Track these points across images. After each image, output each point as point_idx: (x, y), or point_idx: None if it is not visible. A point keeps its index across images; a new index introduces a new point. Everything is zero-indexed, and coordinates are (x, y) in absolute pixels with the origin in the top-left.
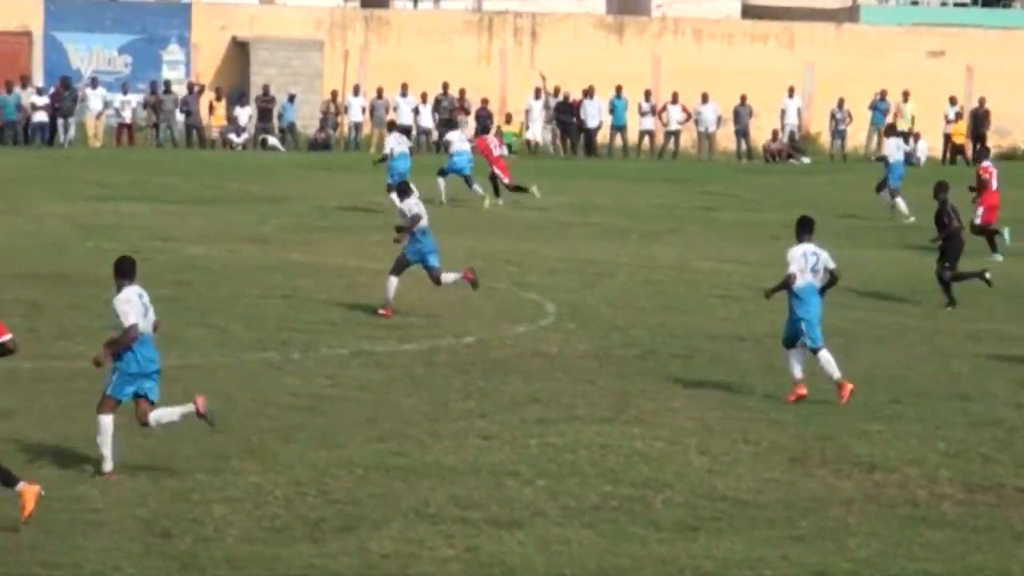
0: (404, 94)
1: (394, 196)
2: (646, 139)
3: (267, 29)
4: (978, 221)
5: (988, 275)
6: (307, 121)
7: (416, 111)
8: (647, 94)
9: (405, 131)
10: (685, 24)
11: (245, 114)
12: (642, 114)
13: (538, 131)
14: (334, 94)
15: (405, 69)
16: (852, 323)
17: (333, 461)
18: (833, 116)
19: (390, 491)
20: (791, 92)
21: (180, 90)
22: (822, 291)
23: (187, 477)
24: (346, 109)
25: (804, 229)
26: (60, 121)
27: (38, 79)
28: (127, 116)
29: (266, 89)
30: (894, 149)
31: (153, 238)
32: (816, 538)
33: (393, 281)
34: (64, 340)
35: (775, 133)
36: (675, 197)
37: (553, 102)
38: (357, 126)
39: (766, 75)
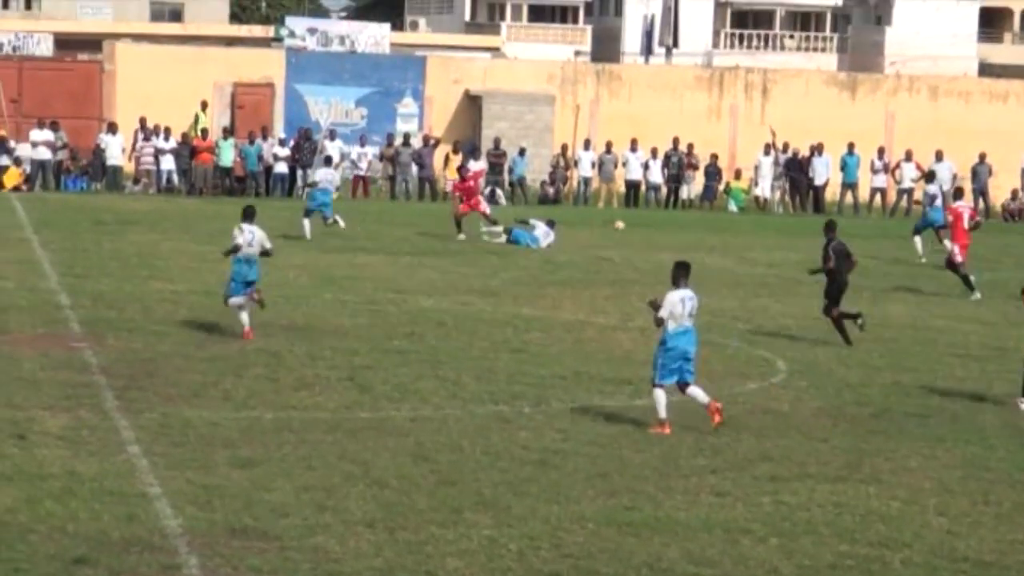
0: (634, 149)
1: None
2: (877, 197)
3: (500, 83)
4: (958, 259)
5: (861, 321)
6: (537, 175)
7: (646, 166)
8: (880, 151)
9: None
10: (920, 82)
11: (477, 167)
12: (874, 171)
13: (767, 187)
14: (564, 148)
15: (635, 123)
16: None
17: (565, 515)
18: None
19: (622, 546)
20: None
21: (415, 143)
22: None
23: (421, 529)
24: (576, 163)
25: (681, 274)
26: (299, 172)
27: (279, 130)
28: (363, 168)
29: (497, 142)
30: None
31: (387, 290)
32: None
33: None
34: (303, 390)
35: (1015, 192)
36: (908, 255)
37: (783, 158)
38: (586, 180)
39: (1005, 134)
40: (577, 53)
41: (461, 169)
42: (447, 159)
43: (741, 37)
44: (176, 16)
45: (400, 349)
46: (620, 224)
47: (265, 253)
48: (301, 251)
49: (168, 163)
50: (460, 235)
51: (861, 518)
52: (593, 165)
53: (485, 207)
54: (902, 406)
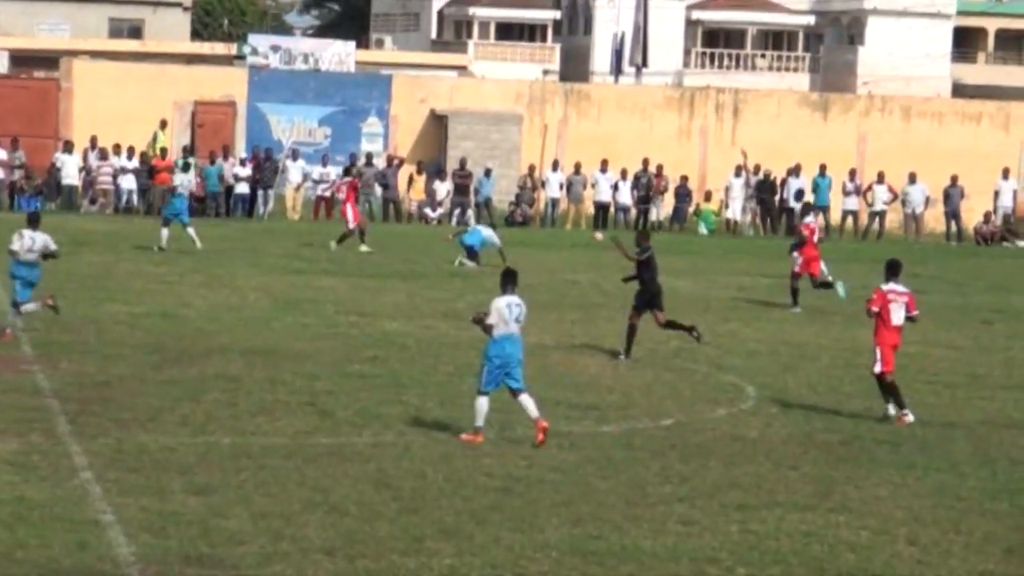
0: (604, 170)
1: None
2: (849, 219)
3: (466, 102)
4: (797, 269)
5: (696, 333)
6: (504, 196)
7: (615, 187)
8: (852, 173)
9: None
10: (893, 103)
11: (444, 188)
12: (846, 194)
13: (738, 210)
14: (531, 169)
15: (604, 144)
16: None
17: (529, 544)
18: None
19: None
20: (1006, 174)
21: (379, 163)
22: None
23: (382, 558)
24: (543, 184)
25: (508, 281)
26: (260, 193)
27: (240, 150)
28: (326, 189)
29: (463, 163)
30: None
31: (349, 313)
32: None
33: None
34: (262, 416)
35: (988, 215)
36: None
37: (754, 180)
38: (554, 202)
39: (978, 156)
40: (545, 72)
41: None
42: (411, 179)
43: (712, 56)
44: (135, 33)
45: (362, 373)
46: (599, 235)
47: (51, 255)
48: (261, 274)
49: (129, 183)
50: (363, 247)
51: (830, 548)
52: (561, 186)
53: (351, 218)
54: (872, 433)
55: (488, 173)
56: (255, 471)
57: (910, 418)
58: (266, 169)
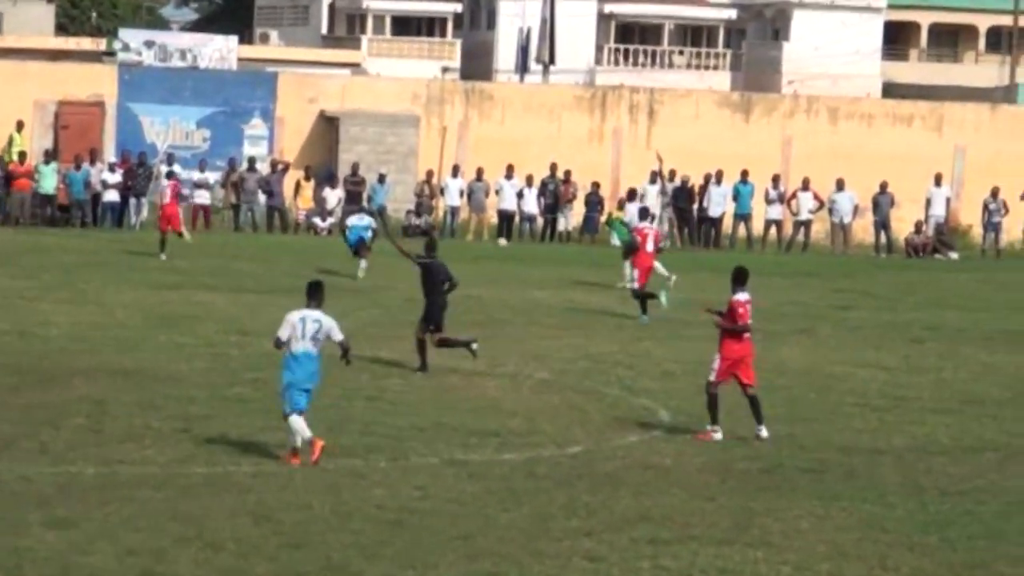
0: (509, 176)
1: None
2: (772, 229)
3: (359, 103)
4: (635, 285)
5: (475, 346)
6: (399, 204)
7: (520, 195)
8: (775, 180)
9: None
10: (819, 103)
11: (334, 196)
12: (769, 202)
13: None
14: (429, 174)
15: (508, 148)
16: (1008, 436)
17: None
18: (986, 207)
19: None
20: (938, 180)
21: (263, 168)
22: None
23: None
24: (442, 191)
25: (310, 293)
26: (132, 201)
27: (110, 154)
28: (204, 196)
29: (355, 168)
30: None
31: (229, 331)
32: None
33: None
34: (131, 443)
35: (919, 225)
36: (805, 294)
37: (671, 187)
38: (454, 210)
39: (910, 161)
40: (445, 70)
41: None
42: (298, 186)
43: (626, 53)
44: None
45: (242, 397)
46: (503, 241)
47: None
48: (132, 289)
49: None
50: (162, 255)
51: None
52: (462, 194)
53: (181, 226)
54: (795, 461)
55: (382, 179)
56: (122, 503)
57: (718, 436)
58: (138, 175)
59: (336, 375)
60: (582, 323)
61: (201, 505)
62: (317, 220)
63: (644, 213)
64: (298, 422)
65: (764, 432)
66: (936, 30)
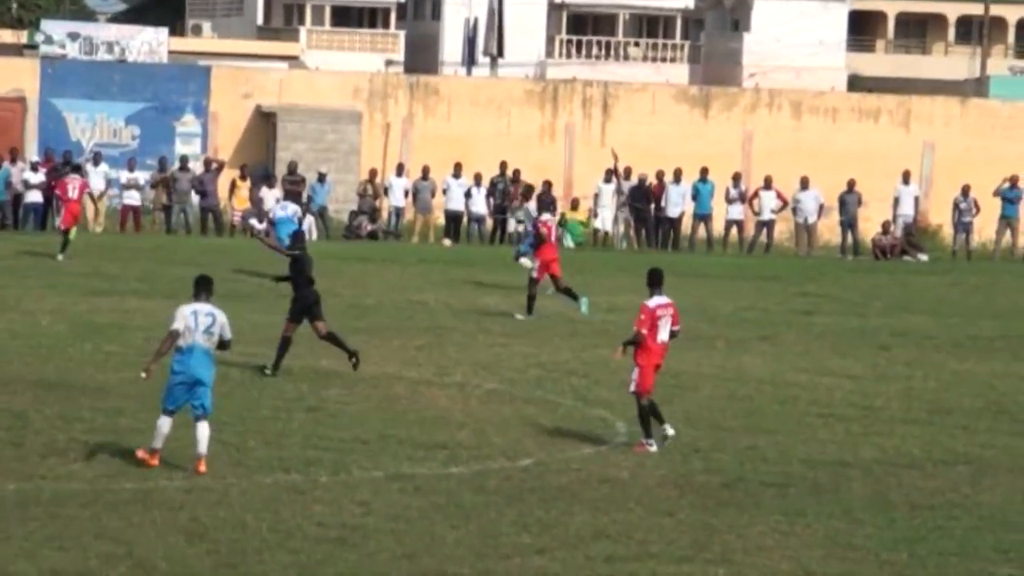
0: (457, 174)
1: None
2: (733, 230)
3: (297, 97)
4: (534, 275)
5: (355, 360)
6: (341, 205)
7: (468, 194)
8: (736, 178)
9: None
10: (782, 97)
11: (272, 196)
12: (729, 201)
13: (608, 219)
14: (372, 173)
15: (456, 145)
16: (980, 448)
17: None
18: (956, 206)
19: None
20: (906, 178)
21: (196, 167)
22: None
23: None
24: (386, 191)
25: (198, 288)
26: (55, 202)
27: (32, 153)
28: (134, 197)
29: (292, 167)
30: None
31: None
32: None
33: None
34: (54, 457)
35: (886, 225)
36: (767, 299)
37: (626, 186)
38: (398, 211)
39: (877, 158)
40: (388, 63)
41: (251, 197)
42: (234, 186)
43: (579, 45)
44: None
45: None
46: (447, 242)
47: None
48: (57, 295)
49: None
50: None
51: None
52: (407, 193)
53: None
54: (758, 474)
55: (322, 179)
56: (45, 521)
57: (653, 448)
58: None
59: (276, 385)
60: (533, 330)
61: (130, 522)
62: (254, 221)
63: (543, 205)
64: (165, 425)
65: (670, 431)
66: (904, 20)
